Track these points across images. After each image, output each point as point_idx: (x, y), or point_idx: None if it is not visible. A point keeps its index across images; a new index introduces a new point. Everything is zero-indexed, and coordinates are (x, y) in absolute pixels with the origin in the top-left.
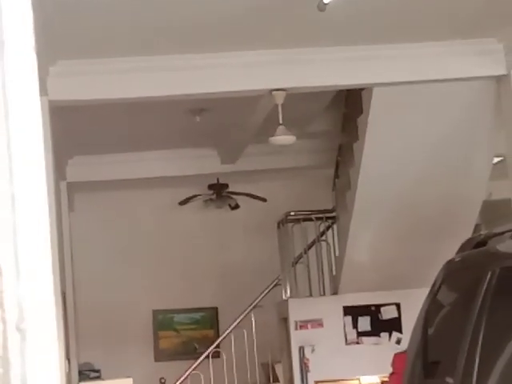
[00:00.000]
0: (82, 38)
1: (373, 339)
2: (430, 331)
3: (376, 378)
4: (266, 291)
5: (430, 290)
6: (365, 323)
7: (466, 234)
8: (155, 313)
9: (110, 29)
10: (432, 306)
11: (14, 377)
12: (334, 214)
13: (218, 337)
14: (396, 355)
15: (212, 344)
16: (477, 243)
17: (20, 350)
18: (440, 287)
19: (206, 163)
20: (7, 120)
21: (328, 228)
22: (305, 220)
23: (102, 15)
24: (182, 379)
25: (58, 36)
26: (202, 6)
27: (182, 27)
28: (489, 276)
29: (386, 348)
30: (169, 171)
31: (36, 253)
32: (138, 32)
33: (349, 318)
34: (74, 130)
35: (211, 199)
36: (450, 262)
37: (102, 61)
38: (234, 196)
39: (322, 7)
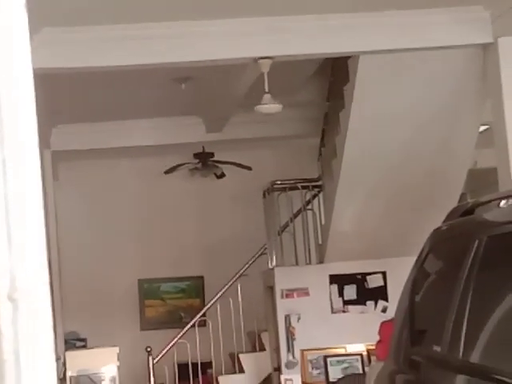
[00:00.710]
0: (67, 4)
1: (359, 308)
2: (417, 299)
3: (362, 347)
4: (252, 260)
5: (417, 259)
6: (351, 292)
7: (452, 203)
8: (141, 282)
9: None
10: (419, 275)
11: (7, 348)
12: (319, 183)
13: (204, 306)
14: (383, 323)
15: (198, 313)
16: (464, 212)
17: (12, 320)
18: (427, 256)
19: (192, 132)
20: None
21: (314, 197)
22: (291, 189)
23: None
24: (168, 348)
25: (41, 2)
26: None
27: None
28: (476, 244)
29: (372, 316)
30: (154, 140)
31: (28, 221)
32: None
33: (335, 287)
34: (57, 98)
35: (197, 168)
36: (437, 231)
37: (87, 28)
38: (219, 165)
39: None
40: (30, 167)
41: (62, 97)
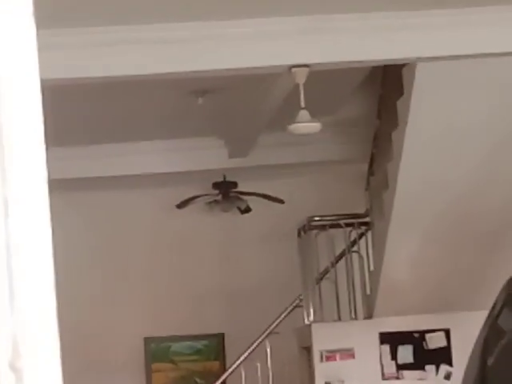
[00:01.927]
0: (53, 3)
1: (416, 373)
2: (489, 363)
3: None
4: (284, 314)
5: (489, 314)
6: (406, 354)
7: None
8: (147, 341)
9: None
10: (491, 333)
11: None
12: (367, 220)
13: (225, 370)
14: None
15: (218, 379)
16: None
17: None
18: (501, 310)
19: (211, 157)
20: None
21: (361, 236)
22: (332, 226)
23: None
24: None
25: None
26: None
27: None
28: None
29: None
30: (165, 166)
31: (35, 273)
32: None
33: (386, 348)
34: (48, 115)
35: (216, 201)
36: None
37: (83, 30)
38: (244, 197)
39: None
40: (37, 207)
41: (54, 113)
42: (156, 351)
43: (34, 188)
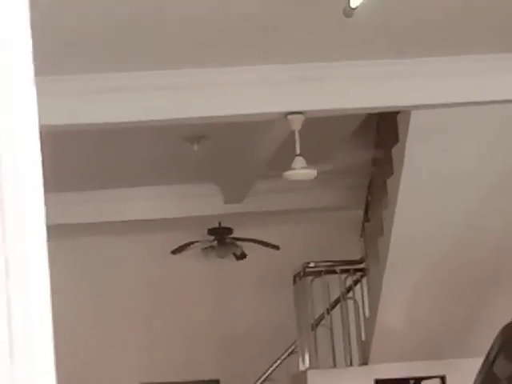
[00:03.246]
0: (49, 48)
1: None
2: None
3: None
4: (280, 361)
5: (484, 361)
6: None
7: None
8: None
9: (86, 34)
10: (487, 381)
11: None
12: (363, 266)
13: None
14: None
15: None
16: None
17: None
18: (496, 357)
19: (206, 203)
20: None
21: (356, 283)
22: (327, 273)
23: (79, 19)
24: None
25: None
26: (202, 8)
27: (178, 36)
28: None
29: None
30: (160, 212)
31: (35, 322)
32: (122, 41)
33: None
34: (45, 162)
35: (212, 247)
36: (508, 327)
37: (76, 77)
38: (239, 243)
39: (348, 13)
40: (35, 253)
41: (45, 160)
42: None
43: (32, 232)
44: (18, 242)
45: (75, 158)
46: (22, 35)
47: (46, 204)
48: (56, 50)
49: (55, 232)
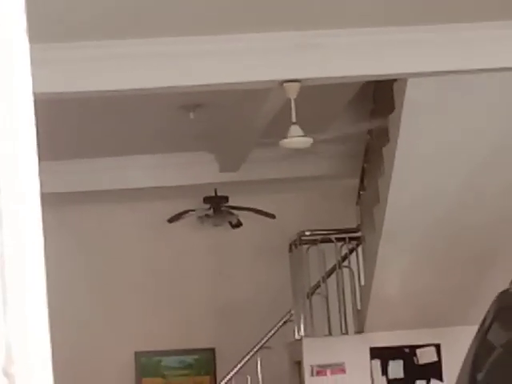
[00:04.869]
0: (47, 17)
1: None
2: (479, 378)
3: None
4: (275, 329)
5: (479, 328)
6: (397, 368)
7: None
8: (138, 355)
9: (81, 3)
10: (481, 348)
11: None
12: (358, 234)
13: None
14: None
15: None
16: None
17: None
18: (491, 324)
19: (202, 171)
20: None
21: (351, 251)
22: (323, 241)
23: None
24: None
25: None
26: None
27: (174, 3)
28: None
29: None
30: (156, 181)
31: (28, 280)
32: (117, 8)
33: (377, 362)
34: (41, 130)
35: (207, 215)
36: (503, 294)
37: (71, 45)
38: (235, 211)
39: None
40: (30, 219)
41: (41, 129)
42: (147, 366)
43: (26, 200)
44: (11, 213)
45: (70, 127)
46: (16, 3)
47: (41, 172)
48: (51, 17)
49: (50, 200)
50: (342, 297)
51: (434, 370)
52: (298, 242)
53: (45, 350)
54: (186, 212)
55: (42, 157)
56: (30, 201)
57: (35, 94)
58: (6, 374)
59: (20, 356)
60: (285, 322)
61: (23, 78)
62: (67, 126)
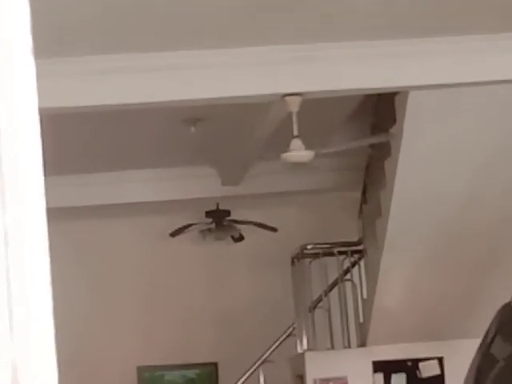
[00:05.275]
0: (54, 31)
1: None
2: None
3: None
4: (278, 343)
5: (482, 342)
6: (400, 382)
7: None
8: (140, 370)
9: (85, 15)
10: (484, 361)
11: None
12: (360, 248)
13: None
14: None
15: None
16: None
17: None
18: (494, 338)
19: (204, 185)
20: None
21: (354, 265)
22: (325, 255)
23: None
24: None
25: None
26: None
27: (176, 17)
28: None
29: None
30: (158, 195)
31: (35, 297)
32: (120, 23)
33: (380, 376)
34: (44, 145)
35: (209, 229)
36: (506, 307)
37: (75, 60)
38: (237, 225)
39: None
40: (35, 232)
41: (45, 143)
42: (149, 380)
43: (32, 217)
44: (17, 213)
45: (72, 141)
46: (21, 18)
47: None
48: (56, 32)
49: (52, 215)
50: (344, 310)
51: (437, 383)
52: (300, 256)
53: (51, 369)
54: (188, 226)
55: (45, 171)
56: (36, 215)
57: (39, 109)
58: None
59: (26, 377)
60: (287, 336)
61: (28, 93)
62: (67, 141)
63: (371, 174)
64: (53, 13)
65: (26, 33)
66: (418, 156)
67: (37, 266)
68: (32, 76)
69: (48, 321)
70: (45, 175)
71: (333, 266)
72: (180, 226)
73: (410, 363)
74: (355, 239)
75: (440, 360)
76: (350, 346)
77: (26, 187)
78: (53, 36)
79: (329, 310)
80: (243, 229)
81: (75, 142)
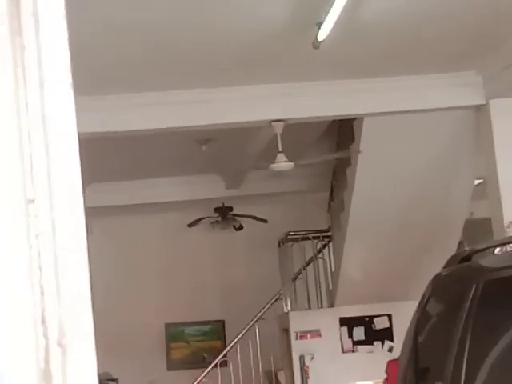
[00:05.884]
0: (97, 75)
1: (367, 347)
2: (421, 340)
3: None
4: (269, 305)
5: (420, 302)
6: (359, 333)
7: (451, 250)
8: (167, 326)
9: (124, 66)
10: (421, 317)
11: None
12: (329, 234)
13: (225, 347)
14: (389, 362)
15: (220, 354)
16: (462, 258)
17: (61, 363)
18: (429, 299)
19: (212, 188)
20: (47, 154)
21: (324, 246)
22: (303, 239)
23: (114, 52)
24: None
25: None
26: (208, 48)
27: (190, 64)
28: (473, 289)
29: (379, 355)
30: (178, 196)
31: (75, 273)
32: (145, 67)
33: (345, 329)
34: (90, 159)
35: (217, 221)
36: (437, 276)
37: (117, 97)
38: (238, 218)
39: (316, 45)
40: (76, 226)
41: (94, 158)
42: (174, 333)
43: (74, 211)
44: (62, 209)
45: (113, 157)
46: (61, 68)
47: (95, 191)
48: (95, 76)
49: (96, 212)
50: (317, 280)
51: (387, 333)
52: (284, 240)
53: (89, 324)
54: (201, 219)
55: (91, 179)
56: (76, 211)
57: (82, 134)
58: (60, 344)
59: (70, 330)
60: (276, 300)
61: (70, 121)
62: (110, 157)
63: (337, 179)
64: (91, 61)
65: (68, 75)
66: (372, 166)
67: (75, 248)
68: (73, 108)
69: (85, 290)
70: (94, 182)
71: (309, 248)
72: (195, 219)
73: (367, 319)
74: (325, 227)
75: (389, 316)
76: (322, 307)
77: (67, 192)
78: (93, 79)
79: (306, 280)
80: (242, 221)
81: (115, 158)
